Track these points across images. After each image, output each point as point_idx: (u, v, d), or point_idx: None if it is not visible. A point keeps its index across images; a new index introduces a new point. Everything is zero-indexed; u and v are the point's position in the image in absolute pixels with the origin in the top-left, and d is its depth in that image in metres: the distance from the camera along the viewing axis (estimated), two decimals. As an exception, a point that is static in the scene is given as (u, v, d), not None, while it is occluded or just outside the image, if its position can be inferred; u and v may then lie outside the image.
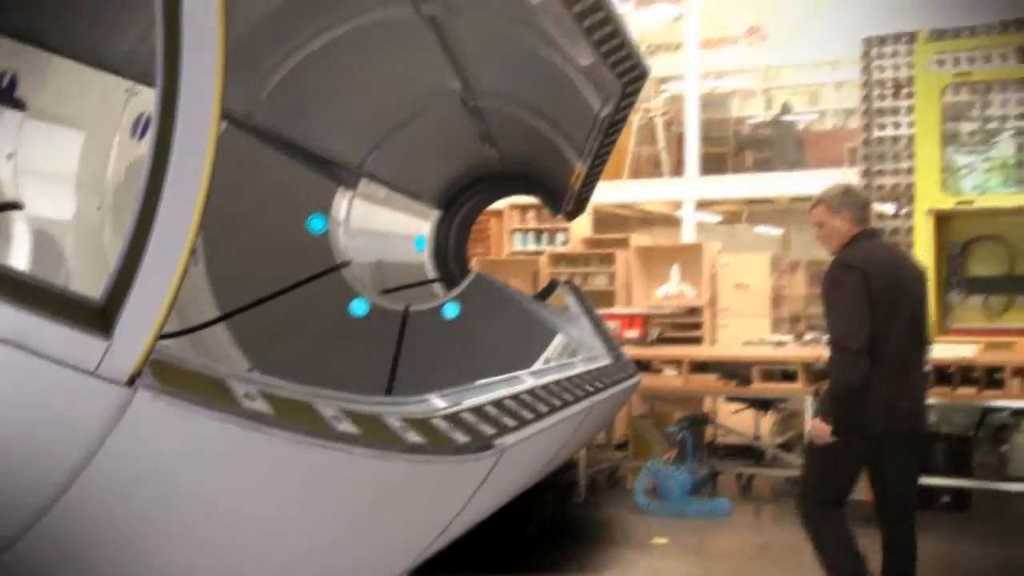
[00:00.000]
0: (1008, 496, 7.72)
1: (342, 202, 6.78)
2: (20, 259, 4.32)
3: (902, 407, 4.94)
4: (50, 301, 1.86)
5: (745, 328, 10.87)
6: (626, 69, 5.60)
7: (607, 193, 11.88)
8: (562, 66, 5.57)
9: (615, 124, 6.12)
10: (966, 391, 7.22)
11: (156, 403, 1.94)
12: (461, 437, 3.08)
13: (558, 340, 6.35)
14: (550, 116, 6.52)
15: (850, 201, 5.03)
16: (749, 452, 9.07)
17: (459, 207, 7.62)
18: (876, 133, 9.87)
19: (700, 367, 8.13)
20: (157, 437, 2.04)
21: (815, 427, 4.88)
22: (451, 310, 6.79)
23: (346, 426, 2.53)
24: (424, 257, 7.62)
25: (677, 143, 15.01)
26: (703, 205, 14.21)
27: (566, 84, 5.76)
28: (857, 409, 4.77)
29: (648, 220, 16.74)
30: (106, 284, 1.96)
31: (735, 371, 7.91)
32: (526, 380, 4.38)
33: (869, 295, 4.75)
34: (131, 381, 1.89)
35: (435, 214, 7.60)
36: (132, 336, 1.89)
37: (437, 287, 7.54)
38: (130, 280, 1.90)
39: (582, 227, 13.35)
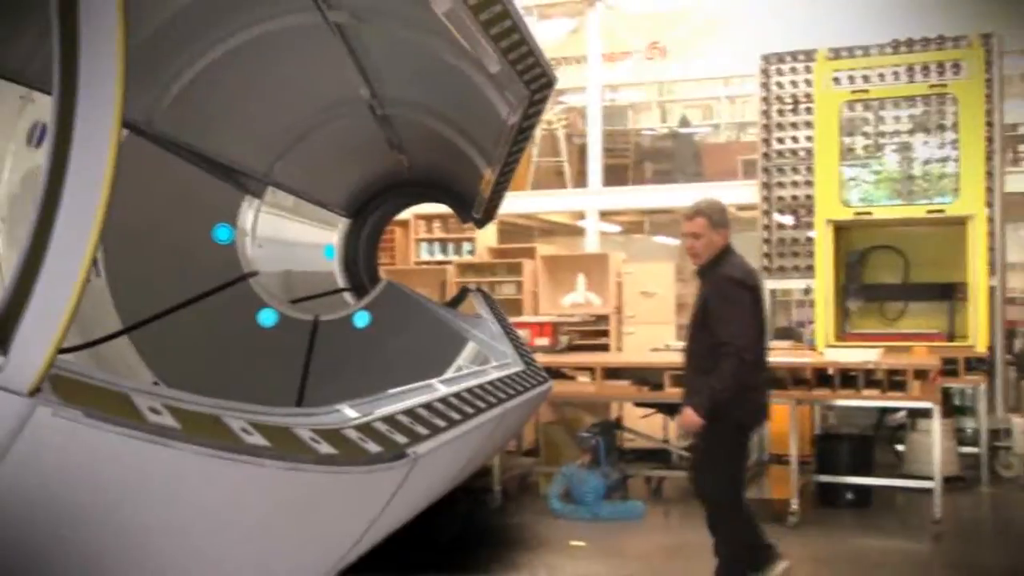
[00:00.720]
0: (906, 492, 8.02)
1: (248, 211, 6.67)
2: (-91, 273, 4.16)
3: (766, 406, 5.65)
4: (-58, 316, 1.80)
5: (650, 335, 11.01)
6: (533, 77, 5.64)
7: (512, 203, 11.92)
8: (470, 74, 5.59)
9: (523, 131, 6.16)
10: (870, 392, 7.45)
11: (56, 420, 1.89)
12: (374, 447, 3.05)
13: (470, 347, 6.35)
14: (459, 124, 6.53)
15: (726, 219, 5.48)
16: (657, 455, 9.19)
17: (368, 215, 7.56)
18: (775, 146, 10.19)
19: (612, 373, 8.21)
20: (60, 454, 1.98)
21: (687, 418, 5.17)
22: (361, 319, 6.74)
23: (255, 439, 2.49)
24: (333, 266, 7.55)
25: (579, 154, 15.23)
26: (604, 215, 14.43)
27: (474, 92, 5.77)
28: (735, 409, 5.20)
29: (550, 230, 16.98)
30: (2, 298, 1.90)
31: (646, 377, 8.01)
32: (438, 388, 4.37)
33: (754, 310, 5.32)
34: (30, 397, 1.84)
35: (344, 223, 7.54)
36: (30, 351, 1.83)
37: (347, 296, 7.47)
38: (27, 294, 1.84)
39: (487, 237, 13.49)
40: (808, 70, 9.93)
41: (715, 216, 5.37)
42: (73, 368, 2.16)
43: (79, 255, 1.90)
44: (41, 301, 1.85)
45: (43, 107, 4.60)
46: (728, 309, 5.21)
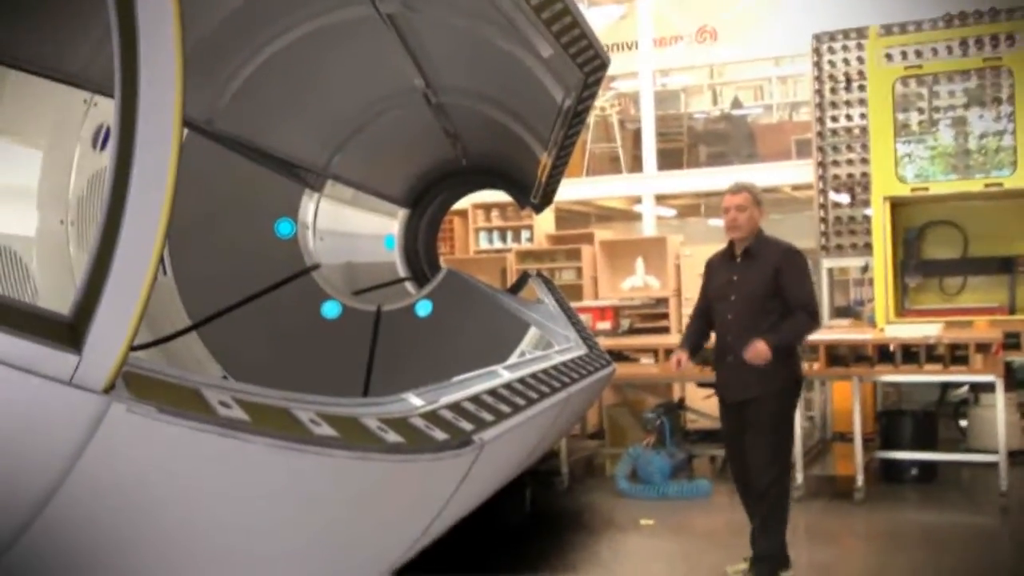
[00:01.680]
0: (971, 467, 8.00)
1: (309, 205, 6.74)
2: (-15, 277, 4.27)
3: None
4: (17, 318, 1.84)
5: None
6: (587, 59, 5.61)
7: (568, 190, 11.94)
8: (523, 59, 5.57)
9: (578, 114, 6.13)
10: (932, 367, 7.38)
11: (131, 415, 1.93)
12: (440, 434, 3.07)
13: (532, 333, 6.36)
14: (513, 110, 6.52)
15: (763, 200, 5.75)
16: (720, 436, 9.14)
17: (427, 205, 7.60)
18: (829, 125, 10.10)
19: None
20: (134, 449, 2.02)
21: (760, 348, 5.30)
22: (424, 308, 6.78)
23: (324, 429, 2.52)
24: (394, 256, 7.60)
25: (633, 139, 15.21)
26: (660, 199, 14.39)
27: (528, 77, 5.76)
28: (796, 367, 5.64)
29: (607, 216, 16.99)
30: (74, 299, 1.94)
31: (708, 357, 7.94)
32: (502, 374, 4.38)
33: None
34: (104, 395, 1.88)
35: (403, 213, 7.59)
36: (103, 350, 1.87)
37: (409, 286, 7.52)
38: (98, 294, 1.88)
39: (545, 224, 13.59)
40: (860, 47, 9.85)
41: (757, 194, 5.65)
42: (144, 365, 2.20)
43: (146, 254, 1.94)
44: (111, 300, 1.88)
45: (107, 110, 4.70)
46: (802, 277, 5.56)
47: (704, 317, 5.84)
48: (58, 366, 1.81)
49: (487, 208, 13.76)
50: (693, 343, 5.89)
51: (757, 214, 5.58)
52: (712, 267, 5.82)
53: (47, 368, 1.80)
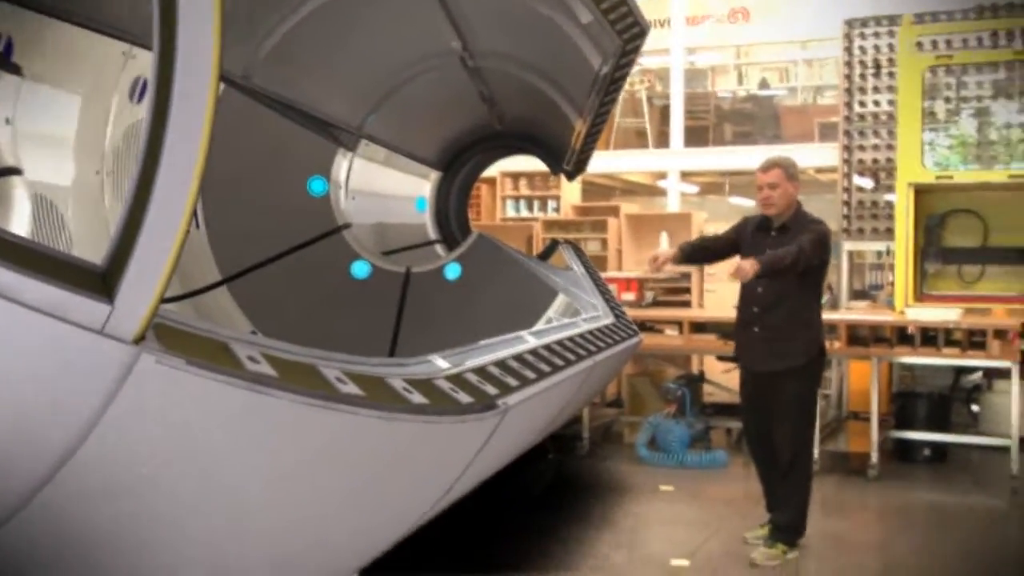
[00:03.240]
0: (982, 450, 8.10)
1: (342, 164, 6.75)
2: (21, 224, 4.32)
3: None
4: (51, 266, 1.86)
5: (731, 292, 10.93)
6: (626, 26, 5.57)
7: (596, 163, 12.01)
8: (561, 24, 5.53)
9: (615, 82, 6.09)
10: (951, 351, 7.51)
11: (159, 367, 1.95)
12: (464, 397, 3.09)
13: (560, 300, 6.36)
14: (550, 75, 6.48)
15: (798, 173, 5.64)
16: (737, 409, 9.20)
17: (459, 168, 7.59)
18: (856, 110, 10.10)
19: (698, 327, 8.27)
20: (162, 400, 2.05)
21: (749, 265, 5.12)
22: (453, 271, 6.79)
23: (350, 388, 2.54)
24: (425, 218, 7.61)
25: (660, 116, 15.38)
26: (684, 176, 14.52)
27: (566, 43, 5.72)
28: (820, 337, 5.64)
29: (631, 190, 17.14)
30: (107, 249, 1.96)
31: (731, 332, 8.01)
32: (528, 340, 4.39)
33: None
34: (135, 345, 1.90)
35: (435, 175, 7.58)
36: (134, 301, 1.89)
37: (439, 248, 7.53)
38: (131, 245, 1.90)
39: (571, 195, 13.74)
40: (891, 35, 9.91)
41: (790, 169, 5.56)
42: (175, 317, 2.22)
43: (180, 207, 1.95)
44: (144, 252, 1.90)
45: (145, 63, 4.71)
46: (813, 236, 5.35)
47: (710, 249, 5.87)
48: (90, 315, 1.83)
49: (515, 177, 13.86)
50: (687, 252, 5.75)
51: (791, 189, 5.50)
52: (745, 229, 5.71)
53: (79, 316, 1.82)
